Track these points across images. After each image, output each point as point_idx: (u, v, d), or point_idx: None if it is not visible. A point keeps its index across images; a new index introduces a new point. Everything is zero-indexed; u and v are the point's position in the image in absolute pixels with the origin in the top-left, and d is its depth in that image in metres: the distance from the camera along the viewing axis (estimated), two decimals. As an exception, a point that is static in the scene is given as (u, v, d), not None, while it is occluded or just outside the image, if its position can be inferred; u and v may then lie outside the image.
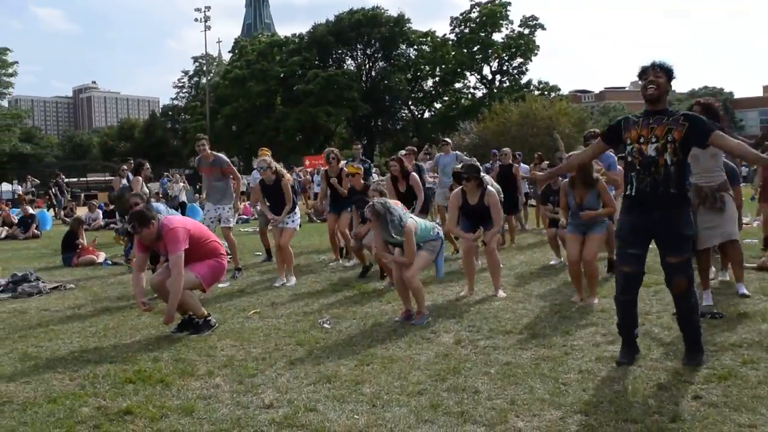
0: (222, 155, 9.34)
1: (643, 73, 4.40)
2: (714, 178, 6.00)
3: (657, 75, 4.33)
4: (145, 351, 5.16)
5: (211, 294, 6.98)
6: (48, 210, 23.78)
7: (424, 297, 6.00)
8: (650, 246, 4.52)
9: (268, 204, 8.44)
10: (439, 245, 6.13)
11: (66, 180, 28.90)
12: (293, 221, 8.19)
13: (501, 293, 6.93)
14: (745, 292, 6.23)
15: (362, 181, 8.77)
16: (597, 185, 6.50)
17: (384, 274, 8.11)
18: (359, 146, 12.91)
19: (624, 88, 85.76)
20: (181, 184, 22.71)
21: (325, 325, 5.77)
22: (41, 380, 4.50)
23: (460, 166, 7.66)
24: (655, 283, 6.71)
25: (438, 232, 6.17)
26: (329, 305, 6.74)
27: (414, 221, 5.99)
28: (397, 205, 6.01)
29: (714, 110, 5.90)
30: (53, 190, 26.08)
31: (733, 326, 5.36)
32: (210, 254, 5.86)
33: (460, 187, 6.97)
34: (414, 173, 8.86)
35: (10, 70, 57.23)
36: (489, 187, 6.97)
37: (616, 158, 8.45)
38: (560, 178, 8.24)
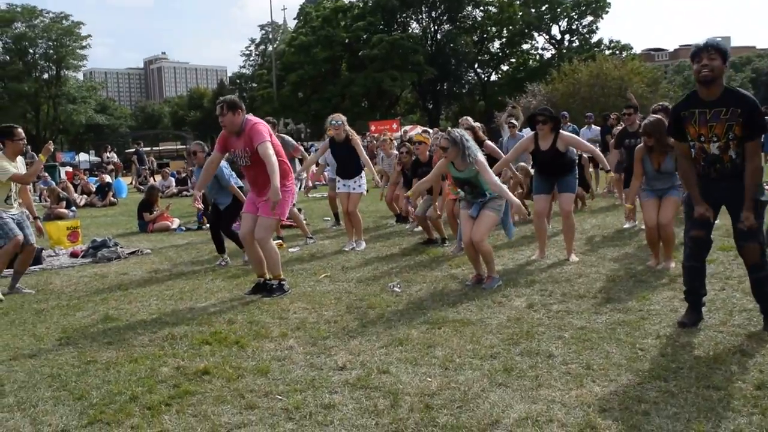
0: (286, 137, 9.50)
1: (696, 54, 4.11)
2: None
3: (711, 57, 4.06)
4: (220, 314, 5.28)
5: (282, 258, 7.07)
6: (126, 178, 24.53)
7: (494, 260, 5.92)
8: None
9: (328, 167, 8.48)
10: (505, 203, 5.91)
11: (134, 150, 29.75)
12: (360, 186, 8.16)
13: (574, 257, 6.78)
14: None
15: (427, 153, 8.54)
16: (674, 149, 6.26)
17: (445, 238, 8.05)
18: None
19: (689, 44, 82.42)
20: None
21: (396, 289, 5.77)
22: (122, 341, 4.66)
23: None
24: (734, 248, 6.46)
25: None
26: (399, 269, 6.74)
27: (484, 158, 5.90)
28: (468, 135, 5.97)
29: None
30: (134, 158, 26.89)
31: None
32: (281, 176, 5.64)
33: (533, 132, 6.82)
34: (489, 142, 8.69)
35: (84, 43, 58.96)
36: (563, 131, 6.81)
37: None
38: (638, 121, 8.07)
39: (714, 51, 4.08)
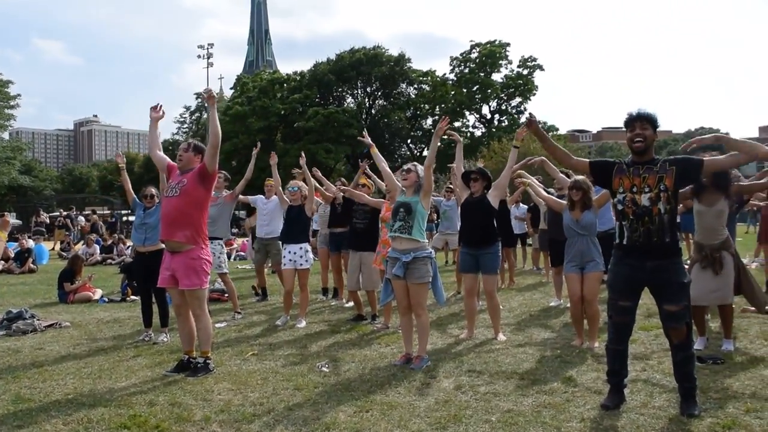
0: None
1: (629, 123, 4.40)
2: (717, 237, 6.00)
3: (643, 127, 4.34)
4: (140, 394, 5.07)
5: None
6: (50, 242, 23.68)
7: (427, 337, 5.95)
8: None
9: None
10: (431, 266, 5.90)
11: (66, 213, 28.95)
12: (306, 261, 8.06)
13: (501, 336, 6.87)
14: (731, 348, 6.04)
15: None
16: (593, 205, 6.56)
17: (375, 315, 8.04)
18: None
19: (621, 128, 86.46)
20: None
21: (324, 369, 5.69)
22: (34, 424, 4.42)
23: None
24: (656, 327, 6.68)
25: (430, 252, 5.95)
26: (327, 347, 6.67)
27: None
28: None
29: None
30: (66, 221, 26.20)
31: (735, 372, 5.32)
32: (198, 234, 5.70)
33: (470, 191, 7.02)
34: None
35: (12, 103, 57.56)
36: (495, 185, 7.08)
37: None
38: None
39: (646, 121, 4.34)
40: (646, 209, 4.31)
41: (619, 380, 4.60)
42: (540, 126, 5.02)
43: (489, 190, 6.92)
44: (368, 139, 6.94)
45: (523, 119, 44.99)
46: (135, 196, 7.85)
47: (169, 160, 6.24)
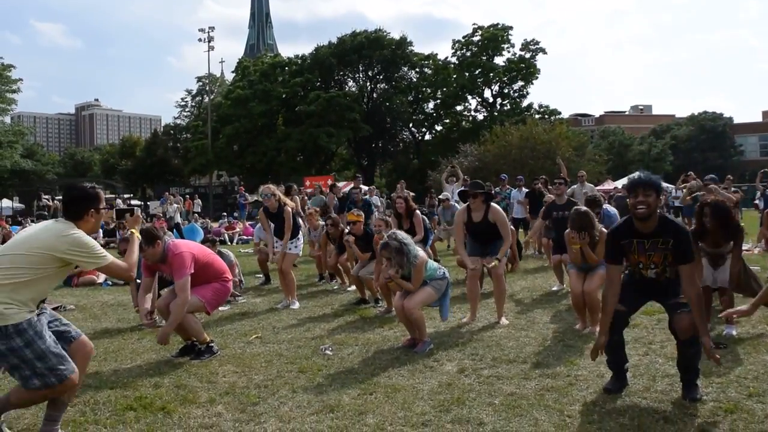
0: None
1: (632, 189, 4.30)
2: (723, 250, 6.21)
3: (647, 194, 4.23)
4: (145, 376, 5.11)
5: (212, 317, 6.94)
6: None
7: (425, 325, 5.96)
8: None
9: (272, 226, 8.44)
10: (445, 285, 6.09)
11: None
12: (296, 246, 8.21)
13: (504, 320, 6.89)
14: (733, 333, 6.07)
15: (362, 228, 8.56)
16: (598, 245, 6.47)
17: (378, 298, 8.09)
18: (359, 179, 13.03)
19: (624, 112, 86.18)
20: (176, 205, 22.60)
21: (327, 352, 5.73)
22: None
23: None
24: (659, 311, 6.69)
25: (444, 273, 6.13)
26: (331, 331, 6.70)
27: (425, 255, 6.04)
28: (406, 236, 6.05)
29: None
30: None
31: (738, 357, 5.33)
32: (215, 277, 5.85)
33: (466, 204, 6.99)
34: (418, 212, 9.10)
35: (14, 87, 57.42)
36: (493, 204, 6.98)
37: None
38: (566, 196, 8.43)
39: (649, 187, 4.23)
40: (653, 281, 4.46)
41: (619, 366, 4.62)
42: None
43: (488, 206, 6.85)
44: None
45: (525, 103, 44.48)
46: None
47: (146, 276, 5.98)
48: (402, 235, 5.98)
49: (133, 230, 4.24)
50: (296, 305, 8.07)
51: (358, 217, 8.73)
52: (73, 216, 3.78)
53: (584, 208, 6.68)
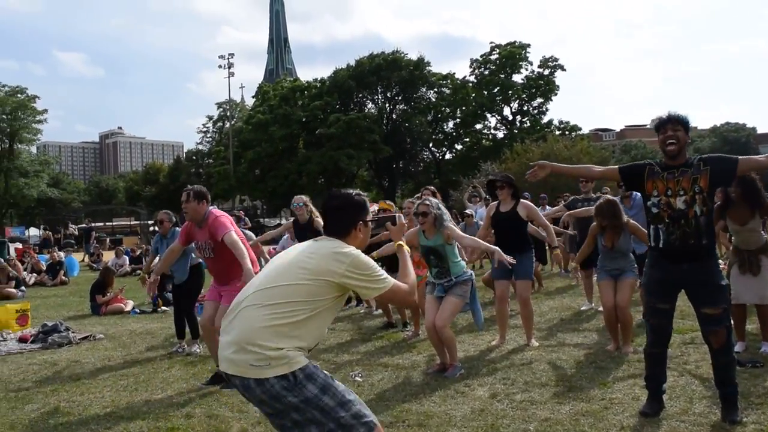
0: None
1: (660, 126, 4.34)
2: (754, 243, 6.00)
3: (675, 129, 4.27)
4: (177, 406, 5.12)
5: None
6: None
7: (456, 347, 5.91)
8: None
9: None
10: (470, 288, 5.95)
11: (92, 224, 29.35)
12: None
13: (534, 342, 6.82)
14: None
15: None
16: (628, 226, 6.43)
17: (406, 322, 8.04)
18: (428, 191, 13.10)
19: (645, 125, 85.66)
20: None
21: (357, 378, 5.69)
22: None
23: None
24: (691, 330, 6.60)
25: (471, 274, 6.02)
26: (360, 356, 6.67)
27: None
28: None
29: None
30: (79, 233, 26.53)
31: (775, 376, 5.22)
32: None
33: (495, 202, 6.96)
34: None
35: (40, 118, 58.49)
36: (523, 199, 6.95)
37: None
38: (591, 193, 8.40)
39: (677, 123, 4.27)
40: (682, 212, 4.24)
41: (657, 385, 4.54)
42: (550, 163, 4.90)
43: (518, 200, 6.82)
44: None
45: (545, 120, 44.53)
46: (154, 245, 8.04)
47: (176, 245, 6.18)
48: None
49: (399, 243, 3.41)
50: None
51: (389, 206, 8.66)
52: (337, 231, 3.07)
53: (612, 197, 6.69)
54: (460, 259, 6.00)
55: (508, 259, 5.76)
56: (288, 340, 2.76)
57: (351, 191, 3.19)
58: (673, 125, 4.27)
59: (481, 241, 6.12)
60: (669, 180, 4.30)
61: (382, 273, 2.98)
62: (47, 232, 28.96)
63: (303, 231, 8.13)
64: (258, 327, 2.77)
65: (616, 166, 4.81)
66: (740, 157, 4.35)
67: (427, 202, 5.96)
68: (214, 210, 5.75)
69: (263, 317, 2.78)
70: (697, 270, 4.27)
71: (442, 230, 5.82)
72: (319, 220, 8.16)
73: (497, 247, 5.95)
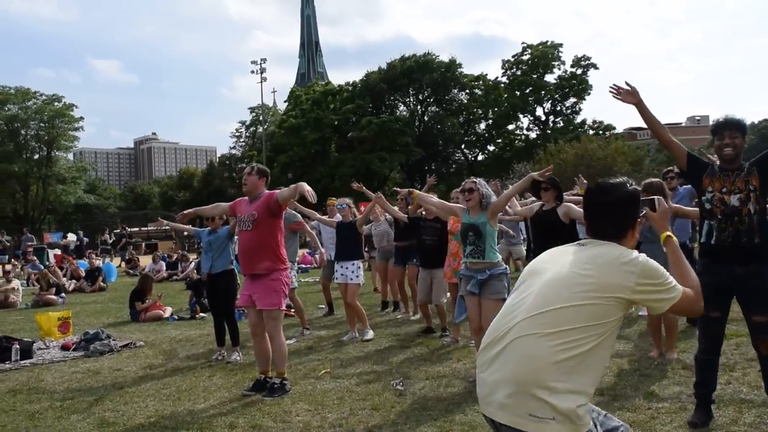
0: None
1: (718, 131, 4.32)
2: None
3: (733, 135, 4.26)
4: (220, 416, 5.14)
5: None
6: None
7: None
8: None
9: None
10: (506, 283, 5.75)
11: (129, 230, 29.73)
12: (357, 276, 8.16)
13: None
14: None
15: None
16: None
17: (445, 328, 7.98)
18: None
19: (680, 123, 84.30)
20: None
21: (399, 387, 5.66)
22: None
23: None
24: (737, 335, 6.45)
25: (505, 268, 5.86)
26: (399, 363, 6.64)
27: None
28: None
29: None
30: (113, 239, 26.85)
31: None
32: (277, 260, 5.78)
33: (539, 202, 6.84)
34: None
35: (77, 125, 59.56)
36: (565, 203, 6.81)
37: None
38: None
39: (735, 129, 4.27)
40: (736, 209, 4.22)
41: (707, 392, 4.45)
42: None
43: (561, 201, 6.72)
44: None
45: (579, 119, 43.72)
46: (194, 228, 8.18)
47: (225, 205, 6.37)
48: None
49: (667, 234, 2.74)
50: (370, 334, 8.02)
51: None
52: (614, 233, 2.54)
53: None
54: (497, 248, 5.88)
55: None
56: (577, 382, 2.25)
57: (622, 180, 2.61)
58: (730, 131, 4.27)
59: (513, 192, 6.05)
60: (725, 179, 4.29)
61: (671, 278, 2.42)
62: (105, 233, 29.37)
63: (345, 229, 8.26)
64: (545, 363, 2.25)
65: (685, 149, 4.61)
66: None
67: (474, 180, 5.94)
68: (269, 191, 5.84)
69: (549, 349, 2.26)
70: (749, 275, 4.19)
71: (488, 213, 5.73)
72: (361, 223, 8.24)
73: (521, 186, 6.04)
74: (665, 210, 2.81)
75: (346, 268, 8.17)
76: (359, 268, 8.22)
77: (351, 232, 8.24)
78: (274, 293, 5.69)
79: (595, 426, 2.33)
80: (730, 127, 4.26)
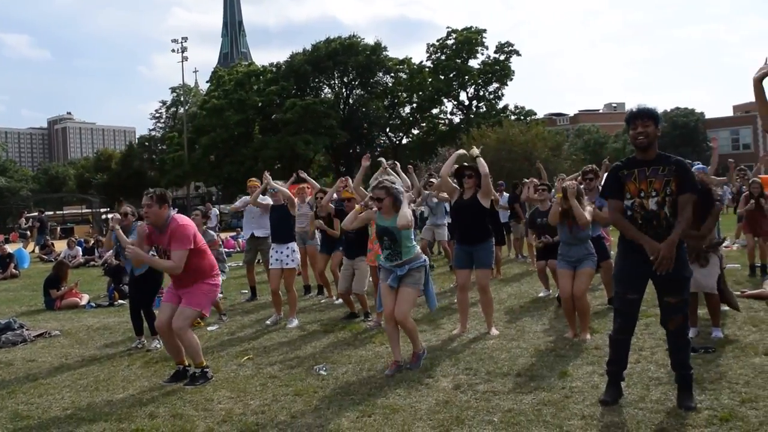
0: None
1: (631, 121, 4.43)
2: (707, 240, 6.23)
3: (645, 124, 4.37)
4: (140, 406, 5.05)
5: (200, 339, 6.87)
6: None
7: (418, 336, 5.88)
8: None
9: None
10: (425, 275, 5.86)
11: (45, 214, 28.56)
12: (293, 261, 8.09)
13: (494, 331, 6.91)
14: (720, 335, 6.18)
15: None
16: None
17: (368, 312, 8.06)
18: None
19: (598, 110, 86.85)
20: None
21: (322, 372, 5.69)
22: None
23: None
24: (646, 315, 6.76)
25: (424, 260, 5.91)
26: (323, 349, 6.67)
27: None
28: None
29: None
30: (36, 224, 25.73)
31: (727, 361, 5.41)
32: (205, 272, 5.72)
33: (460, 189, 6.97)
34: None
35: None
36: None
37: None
38: (549, 201, 8.30)
39: (647, 117, 4.37)
40: (654, 213, 4.39)
41: (618, 370, 4.65)
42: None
43: (480, 188, 6.86)
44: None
45: (501, 105, 44.36)
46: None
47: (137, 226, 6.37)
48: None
49: None
50: (295, 323, 7.97)
51: (352, 194, 8.65)
52: None
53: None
54: (414, 243, 5.93)
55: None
56: None
57: None
58: (643, 120, 4.37)
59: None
60: (641, 181, 4.42)
61: None
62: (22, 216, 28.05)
63: (278, 215, 8.27)
64: None
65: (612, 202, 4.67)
66: (692, 195, 4.41)
67: (381, 187, 5.82)
68: (177, 217, 5.67)
69: None
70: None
71: (400, 202, 5.73)
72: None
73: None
74: None
75: (281, 252, 8.08)
76: (294, 251, 8.13)
77: (284, 213, 8.18)
78: (203, 295, 5.67)
79: None
80: (642, 116, 4.37)
